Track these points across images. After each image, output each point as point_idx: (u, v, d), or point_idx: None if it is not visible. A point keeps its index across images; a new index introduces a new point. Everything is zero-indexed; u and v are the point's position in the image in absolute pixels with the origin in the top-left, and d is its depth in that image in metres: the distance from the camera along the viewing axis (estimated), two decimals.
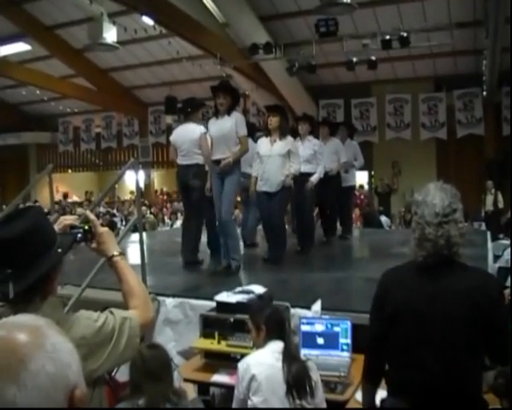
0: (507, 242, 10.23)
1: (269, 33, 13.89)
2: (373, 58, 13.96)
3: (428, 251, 2.38)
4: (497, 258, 8.76)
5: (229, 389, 4.06)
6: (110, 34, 12.92)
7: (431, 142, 17.37)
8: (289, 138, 7.40)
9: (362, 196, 17.23)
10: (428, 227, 2.37)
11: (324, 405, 3.26)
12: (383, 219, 15.15)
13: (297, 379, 3.12)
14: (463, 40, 13.43)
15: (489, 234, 10.21)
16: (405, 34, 12.14)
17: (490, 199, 14.99)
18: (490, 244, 9.22)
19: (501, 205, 14.80)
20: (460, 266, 2.43)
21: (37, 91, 19.34)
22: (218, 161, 6.61)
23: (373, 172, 19.14)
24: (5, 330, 0.97)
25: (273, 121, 7.27)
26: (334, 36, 12.13)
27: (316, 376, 3.25)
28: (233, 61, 14.20)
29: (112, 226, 13.75)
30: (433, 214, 2.37)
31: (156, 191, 22.93)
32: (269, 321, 3.39)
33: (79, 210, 17.97)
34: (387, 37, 12.44)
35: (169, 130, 20.74)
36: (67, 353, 0.99)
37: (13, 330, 0.96)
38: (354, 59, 14.04)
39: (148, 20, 13.21)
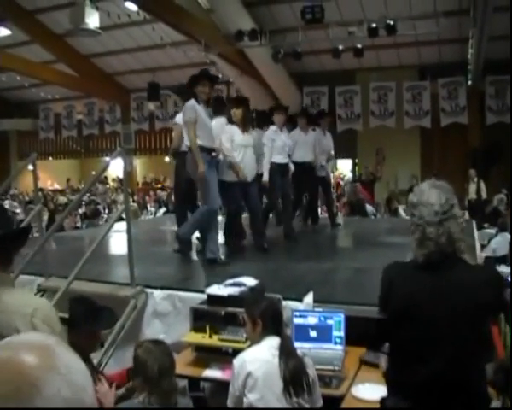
0: (492, 231, 10.28)
1: (254, 20, 13.78)
2: (359, 46, 13.91)
3: (430, 250, 2.34)
4: (482, 247, 8.80)
5: (219, 383, 4.00)
6: (92, 19, 12.64)
7: (415, 130, 17.39)
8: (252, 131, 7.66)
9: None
10: (429, 227, 2.34)
11: (321, 402, 3.20)
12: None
13: (294, 376, 3.05)
14: (448, 29, 13.39)
15: (474, 223, 10.23)
16: (392, 22, 12.09)
17: (473, 188, 15.04)
18: (476, 233, 9.23)
19: (484, 194, 14.88)
20: (462, 262, 2.40)
21: (18, 77, 18.98)
22: (213, 150, 6.55)
23: (357, 160, 19.18)
24: (11, 350, 0.86)
25: (236, 113, 7.24)
26: (319, 23, 12.04)
27: (312, 372, 3.19)
28: (217, 47, 14.06)
29: (96, 214, 13.62)
30: (432, 213, 2.34)
31: (138, 183, 22.67)
32: (265, 315, 3.29)
33: (61, 198, 17.81)
34: (374, 25, 12.37)
35: (151, 117, 20.58)
36: (82, 374, 0.89)
37: (20, 351, 0.85)
38: (340, 46, 13.97)
39: (131, 6, 12.99)
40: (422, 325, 2.33)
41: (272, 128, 8.31)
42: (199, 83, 6.48)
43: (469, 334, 2.28)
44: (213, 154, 6.53)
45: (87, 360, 3.25)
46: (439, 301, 2.31)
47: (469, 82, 15.58)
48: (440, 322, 2.30)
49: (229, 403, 3.21)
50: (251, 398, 3.06)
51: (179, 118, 6.94)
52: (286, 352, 3.13)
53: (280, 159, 8.26)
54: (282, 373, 3.04)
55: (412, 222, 2.44)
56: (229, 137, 7.11)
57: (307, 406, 3.07)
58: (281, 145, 8.24)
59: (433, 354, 2.31)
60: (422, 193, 2.40)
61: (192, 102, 6.44)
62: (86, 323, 3.47)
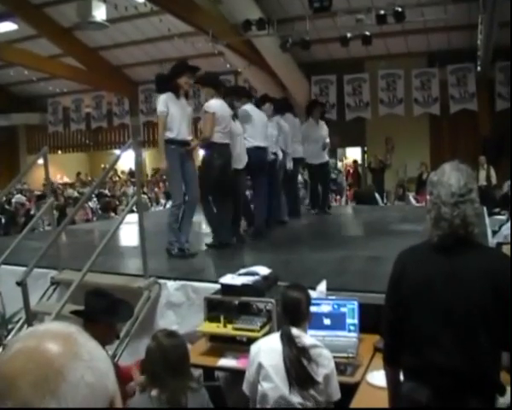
0: (503, 217, 10.25)
1: (261, 9, 13.71)
2: (367, 33, 13.82)
3: (444, 231, 2.36)
4: (494, 233, 8.77)
5: (234, 372, 4.02)
6: (99, 12, 12.67)
7: (424, 117, 17.29)
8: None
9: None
10: (444, 207, 2.35)
11: (338, 395, 3.16)
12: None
13: (293, 366, 3.06)
14: (457, 15, 13.28)
15: (485, 209, 10.17)
16: (400, 9, 12.00)
17: (482, 174, 14.99)
18: (487, 220, 9.19)
19: (494, 180, 14.85)
20: (477, 246, 2.42)
21: (26, 72, 19.02)
22: (186, 143, 6.74)
23: (366, 148, 19.13)
24: (36, 339, 0.89)
25: None
26: (327, 11, 11.96)
27: (329, 365, 3.16)
28: (225, 38, 14.03)
29: (109, 207, 13.67)
30: (449, 194, 2.36)
31: (147, 175, 22.65)
32: (280, 305, 3.32)
33: (70, 191, 17.88)
34: (382, 12, 12.29)
35: None
36: (103, 360, 0.92)
37: (44, 340, 0.89)
38: (348, 34, 13.90)
39: None
40: (435, 309, 2.34)
41: None
42: (184, 74, 6.55)
43: (484, 319, 2.28)
44: (187, 147, 6.58)
45: None
46: (454, 284, 2.32)
47: (478, 68, 15.46)
48: (453, 306, 2.31)
49: (245, 388, 3.25)
50: (264, 386, 3.09)
51: (208, 106, 6.84)
52: (286, 342, 3.14)
53: None
54: (284, 364, 3.07)
55: (429, 200, 2.47)
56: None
57: (319, 398, 3.06)
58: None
59: (445, 339, 2.31)
60: (443, 173, 2.43)
61: (166, 95, 6.49)
62: (105, 316, 3.48)
